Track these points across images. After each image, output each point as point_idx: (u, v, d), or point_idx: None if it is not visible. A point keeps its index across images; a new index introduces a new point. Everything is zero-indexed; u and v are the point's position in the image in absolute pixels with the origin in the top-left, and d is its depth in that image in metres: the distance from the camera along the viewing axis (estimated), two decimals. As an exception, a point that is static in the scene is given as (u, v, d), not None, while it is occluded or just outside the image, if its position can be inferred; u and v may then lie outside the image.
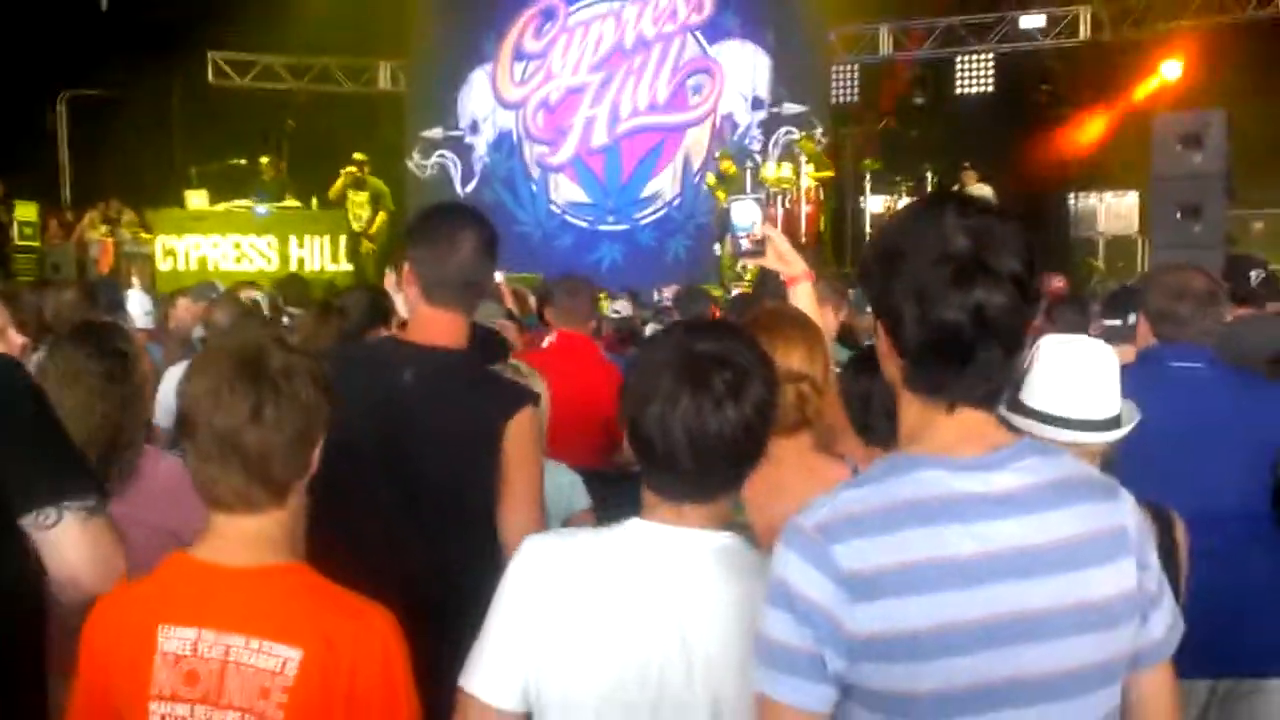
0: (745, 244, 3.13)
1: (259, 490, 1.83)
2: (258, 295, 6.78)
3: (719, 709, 1.69)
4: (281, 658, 1.78)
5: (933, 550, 1.48)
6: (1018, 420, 2.32)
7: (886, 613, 1.46)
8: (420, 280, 2.64)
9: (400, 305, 2.99)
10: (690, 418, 1.68)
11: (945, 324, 1.49)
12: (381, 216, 14.27)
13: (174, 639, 1.81)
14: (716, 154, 14.59)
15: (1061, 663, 1.51)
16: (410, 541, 2.54)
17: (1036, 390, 2.35)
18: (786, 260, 3.03)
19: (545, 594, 1.73)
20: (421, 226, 2.72)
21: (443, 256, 2.63)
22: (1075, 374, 2.35)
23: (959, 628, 1.47)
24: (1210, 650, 2.46)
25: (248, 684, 1.78)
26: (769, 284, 4.53)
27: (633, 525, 1.78)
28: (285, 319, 6.12)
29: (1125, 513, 1.60)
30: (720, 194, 13.54)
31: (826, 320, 4.81)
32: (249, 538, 1.85)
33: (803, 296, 2.99)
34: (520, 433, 2.58)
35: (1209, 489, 3.01)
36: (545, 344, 5.12)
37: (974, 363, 1.51)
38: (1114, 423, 2.35)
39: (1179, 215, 7.73)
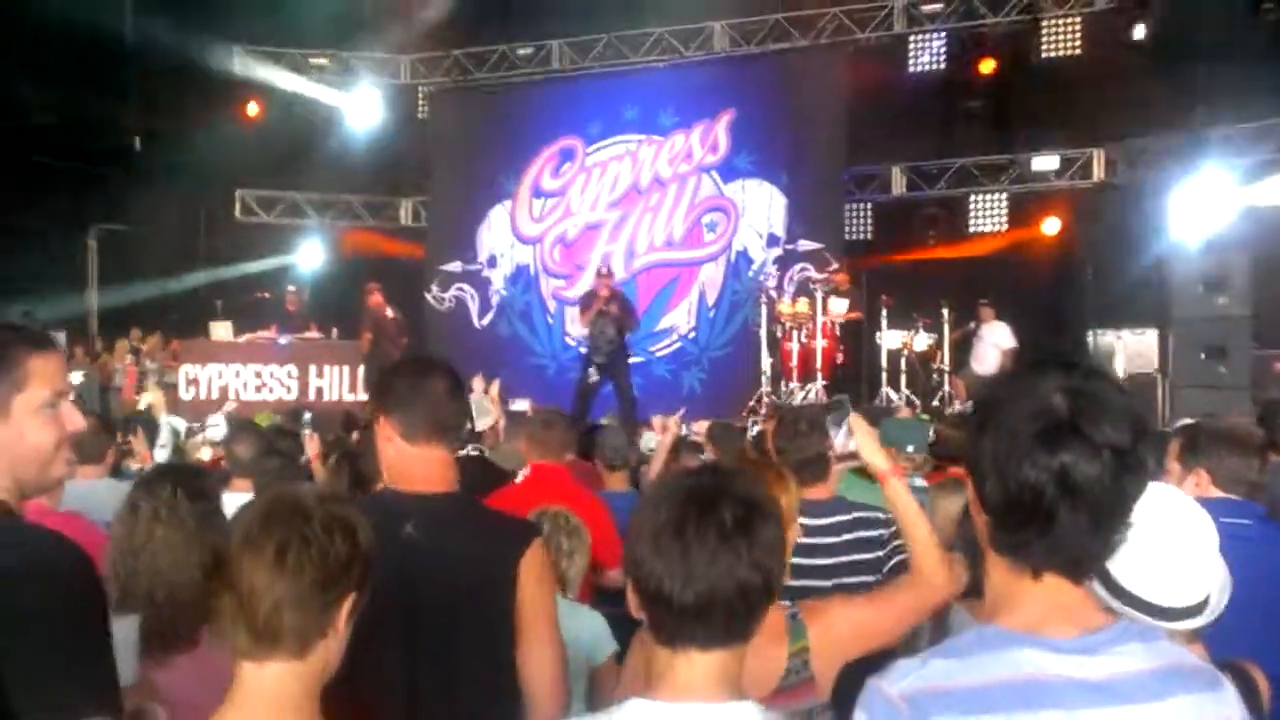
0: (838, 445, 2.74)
1: (272, 635, 1.78)
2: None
3: None
4: None
5: None
6: (1104, 596, 2.14)
7: None
8: (398, 427, 2.62)
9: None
10: (696, 551, 1.60)
11: (1025, 483, 1.44)
12: None
13: None
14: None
15: None
16: (426, 697, 2.48)
17: (1125, 564, 2.12)
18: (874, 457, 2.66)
19: None
20: (389, 381, 2.73)
21: (416, 400, 2.62)
22: (1169, 552, 2.14)
23: None
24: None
25: None
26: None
27: (633, 710, 1.64)
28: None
29: (1230, 704, 1.52)
30: None
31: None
32: (267, 695, 1.80)
33: (900, 493, 2.61)
34: (532, 569, 2.53)
35: (1266, 651, 2.94)
36: (520, 478, 5.03)
37: (1056, 528, 1.45)
38: (1200, 608, 2.18)
39: (1203, 356, 7.75)
